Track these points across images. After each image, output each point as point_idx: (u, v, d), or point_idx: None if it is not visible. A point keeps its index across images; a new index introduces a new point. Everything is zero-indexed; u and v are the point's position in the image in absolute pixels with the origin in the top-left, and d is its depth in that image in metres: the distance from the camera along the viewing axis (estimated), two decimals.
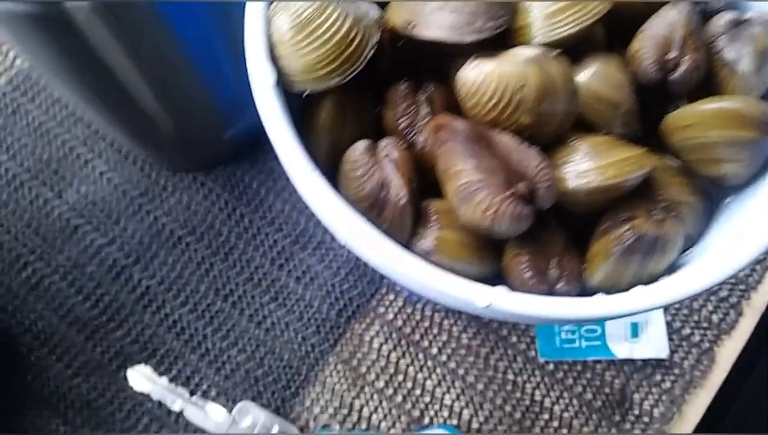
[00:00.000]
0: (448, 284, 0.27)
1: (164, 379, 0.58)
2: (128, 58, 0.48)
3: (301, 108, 0.32)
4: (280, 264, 0.61)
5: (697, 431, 0.60)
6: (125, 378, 0.58)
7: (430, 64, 0.33)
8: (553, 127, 0.30)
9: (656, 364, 0.60)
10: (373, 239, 0.28)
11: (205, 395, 0.59)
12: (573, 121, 0.31)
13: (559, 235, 0.31)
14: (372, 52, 0.31)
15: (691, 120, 0.32)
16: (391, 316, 0.61)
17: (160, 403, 0.58)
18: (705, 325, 0.61)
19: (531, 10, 0.32)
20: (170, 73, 0.52)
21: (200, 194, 0.64)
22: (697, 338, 0.61)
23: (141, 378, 0.58)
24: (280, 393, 0.59)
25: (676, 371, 0.60)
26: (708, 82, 0.34)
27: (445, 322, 0.61)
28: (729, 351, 0.61)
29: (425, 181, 0.31)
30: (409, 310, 0.61)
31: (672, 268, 0.32)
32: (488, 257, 0.31)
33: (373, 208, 0.31)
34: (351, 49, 0.30)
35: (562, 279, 0.30)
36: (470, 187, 0.29)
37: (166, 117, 0.57)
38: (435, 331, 0.61)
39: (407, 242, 0.31)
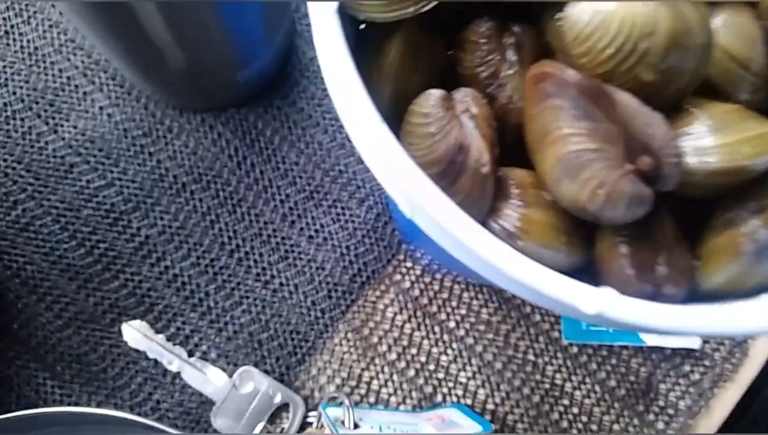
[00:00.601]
0: (546, 282, 0.20)
1: (161, 337, 0.52)
2: None
3: (357, 47, 0.25)
4: (292, 221, 0.54)
5: (722, 427, 0.55)
6: (119, 333, 0.52)
7: (515, 7, 0.25)
8: (677, 87, 0.23)
9: (686, 353, 0.54)
10: (455, 215, 0.21)
11: (204, 357, 0.52)
12: (700, 80, 0.24)
13: (670, 224, 0.24)
14: None
15: None
16: (407, 284, 0.54)
17: (155, 362, 0.51)
18: None
19: None
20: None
21: (209, 139, 0.56)
22: None
23: (136, 334, 0.52)
24: (285, 359, 0.52)
25: (707, 363, 0.54)
26: None
27: (465, 294, 0.55)
28: (763, 345, 0.55)
29: (508, 145, 0.24)
30: (427, 280, 0.54)
31: None
32: (578, 244, 0.24)
33: (446, 175, 0.24)
34: None
35: (671, 278, 0.24)
36: (581, 157, 0.21)
37: (177, 49, 0.49)
38: (454, 303, 0.54)
39: (484, 220, 0.24)
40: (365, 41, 0.25)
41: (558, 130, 0.22)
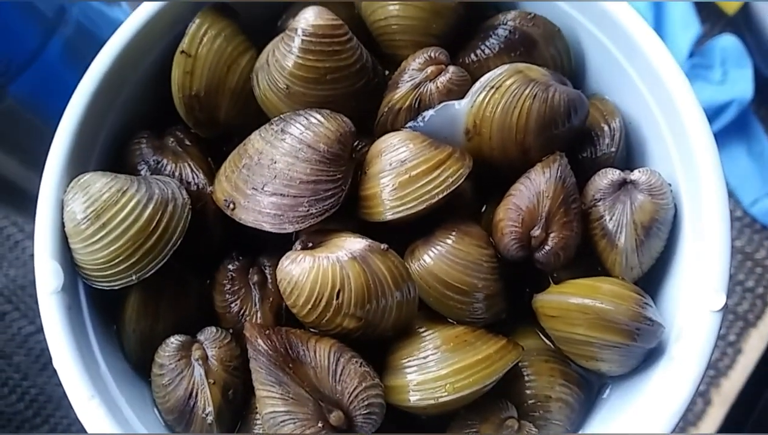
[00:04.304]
0: None
1: None
2: (15, 159, 0.46)
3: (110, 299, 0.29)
4: None
5: None
6: None
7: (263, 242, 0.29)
8: (388, 323, 0.26)
9: None
10: None
11: None
12: (414, 312, 0.27)
13: None
14: (178, 241, 0.27)
15: (557, 311, 0.27)
16: None
17: None
18: None
19: (381, 177, 0.28)
20: None
21: None
22: None
23: None
24: None
25: None
26: (589, 249, 0.29)
27: None
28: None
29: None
30: None
31: None
32: None
33: (180, 422, 0.27)
34: (152, 241, 0.26)
35: None
36: (276, 419, 0.25)
37: None
38: None
39: None
40: (114, 298, 0.29)
41: (259, 392, 0.25)
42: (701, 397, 0.57)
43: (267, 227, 0.26)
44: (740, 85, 0.60)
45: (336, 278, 0.25)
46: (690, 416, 0.57)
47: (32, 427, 0.57)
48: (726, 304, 0.26)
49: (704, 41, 0.63)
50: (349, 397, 0.25)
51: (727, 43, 0.61)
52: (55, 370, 0.58)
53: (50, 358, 0.58)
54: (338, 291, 0.25)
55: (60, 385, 0.59)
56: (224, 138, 0.31)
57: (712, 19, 0.64)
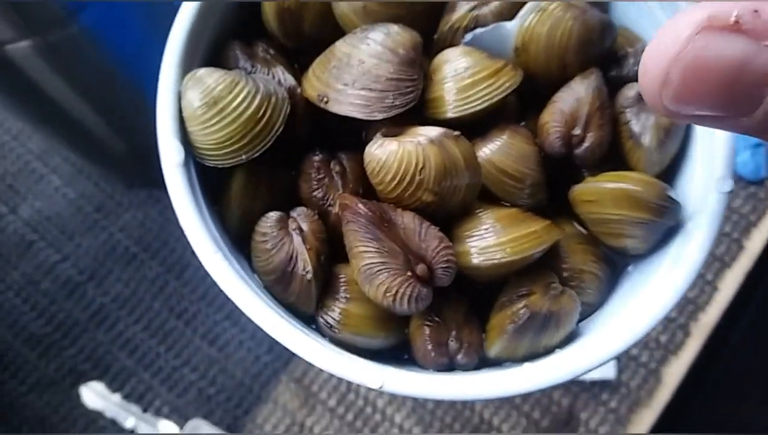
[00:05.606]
0: (340, 367, 0.30)
1: (117, 396, 0.61)
2: (71, 88, 0.49)
3: (221, 174, 0.34)
4: None
5: None
6: (79, 395, 0.61)
7: (348, 131, 0.34)
8: (457, 200, 0.32)
9: (603, 384, 0.63)
10: (274, 323, 0.30)
11: (158, 412, 0.61)
12: (477, 193, 0.33)
13: (461, 306, 0.33)
14: (281, 129, 0.33)
15: (593, 196, 0.34)
16: None
17: (113, 421, 0.60)
18: (653, 345, 0.64)
19: (445, 82, 0.34)
20: (114, 94, 0.53)
21: (155, 210, 0.66)
22: (644, 359, 0.63)
23: (94, 395, 0.61)
24: (232, 411, 0.61)
25: (623, 391, 0.62)
26: (616, 152, 0.36)
27: None
28: (675, 370, 0.64)
29: (342, 245, 0.33)
30: None
31: (571, 337, 0.34)
32: (395, 328, 0.33)
33: (280, 281, 0.33)
34: (259, 127, 0.32)
35: (461, 351, 0.33)
36: (372, 269, 0.30)
37: (116, 138, 0.58)
38: None
39: (315, 313, 0.33)
40: (219, 176, 0.34)
41: (356, 248, 0.31)
42: (681, 330, 0.65)
43: (359, 115, 0.32)
44: None
45: (419, 157, 0.31)
46: (671, 346, 0.64)
47: (60, 348, 0.62)
48: (732, 188, 0.32)
49: None
50: (432, 253, 0.31)
51: None
52: (80, 297, 0.63)
53: (76, 284, 0.64)
54: (421, 168, 0.31)
55: (86, 309, 0.64)
56: (302, 51, 0.37)
57: None
